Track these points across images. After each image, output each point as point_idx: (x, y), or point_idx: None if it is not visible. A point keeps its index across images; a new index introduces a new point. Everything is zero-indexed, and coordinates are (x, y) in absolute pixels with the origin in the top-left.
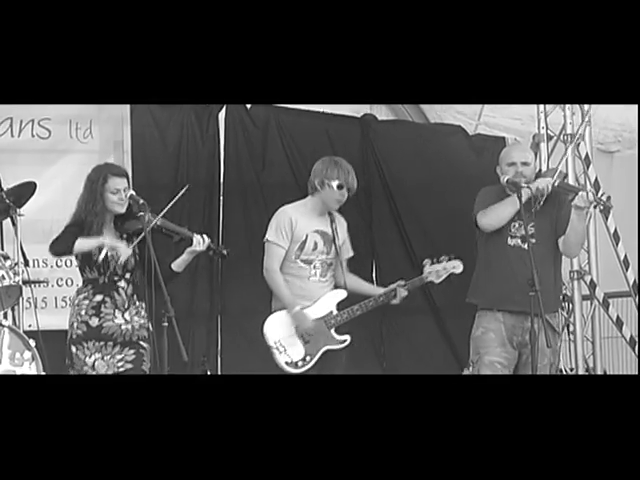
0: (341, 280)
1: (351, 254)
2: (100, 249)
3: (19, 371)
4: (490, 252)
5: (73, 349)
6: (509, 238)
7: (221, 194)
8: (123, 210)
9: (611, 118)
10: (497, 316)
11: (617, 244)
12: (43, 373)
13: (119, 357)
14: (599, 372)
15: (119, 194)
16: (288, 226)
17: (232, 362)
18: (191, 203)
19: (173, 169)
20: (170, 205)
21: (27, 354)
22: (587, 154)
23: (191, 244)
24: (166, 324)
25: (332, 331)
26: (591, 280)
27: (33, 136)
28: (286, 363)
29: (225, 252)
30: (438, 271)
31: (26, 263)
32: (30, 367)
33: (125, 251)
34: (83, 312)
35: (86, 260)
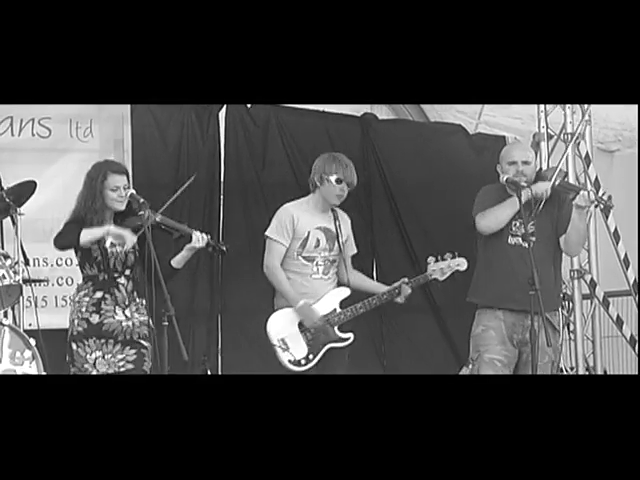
0: (344, 277)
1: (355, 251)
2: (105, 239)
3: (19, 370)
4: (490, 251)
5: (74, 346)
6: (509, 237)
7: (221, 193)
8: (123, 207)
9: (611, 117)
10: (497, 314)
11: (617, 243)
12: (43, 372)
13: (120, 357)
14: (599, 371)
15: (119, 191)
16: (289, 223)
17: (233, 361)
18: (191, 202)
19: (173, 169)
20: (176, 195)
21: (27, 353)
22: (587, 153)
23: (190, 241)
24: (166, 323)
25: (335, 329)
26: (591, 279)
27: (33, 135)
28: (289, 361)
29: (224, 248)
30: (442, 269)
31: (26, 262)
32: (30, 366)
33: (131, 239)
34: (84, 309)
35: (86, 256)
